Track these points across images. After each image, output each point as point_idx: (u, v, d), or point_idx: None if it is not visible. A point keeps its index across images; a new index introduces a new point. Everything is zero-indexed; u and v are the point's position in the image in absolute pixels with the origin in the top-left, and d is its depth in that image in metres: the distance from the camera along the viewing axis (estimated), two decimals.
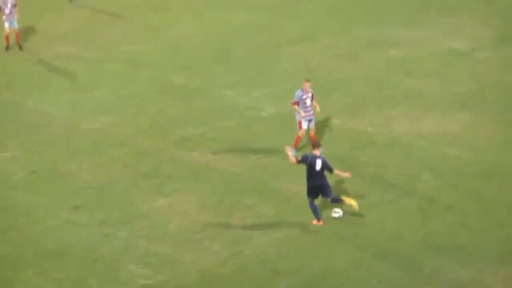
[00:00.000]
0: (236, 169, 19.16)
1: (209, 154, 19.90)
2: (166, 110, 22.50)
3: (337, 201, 16.71)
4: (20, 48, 26.41)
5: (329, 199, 16.76)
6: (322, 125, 20.97)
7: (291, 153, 17.13)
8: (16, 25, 26.00)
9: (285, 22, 28.96)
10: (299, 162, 16.57)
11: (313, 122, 19.93)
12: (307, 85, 19.69)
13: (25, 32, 27.88)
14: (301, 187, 16.86)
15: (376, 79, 24.24)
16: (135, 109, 22.60)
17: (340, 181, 17.84)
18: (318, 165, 16.45)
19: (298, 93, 19.63)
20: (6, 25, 26.03)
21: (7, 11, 25.81)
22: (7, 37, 26.34)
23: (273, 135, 20.87)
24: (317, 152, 16.55)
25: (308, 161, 16.45)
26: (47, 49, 26.86)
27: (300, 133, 19.86)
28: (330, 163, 16.67)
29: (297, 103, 19.61)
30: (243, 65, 25.58)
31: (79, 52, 26.59)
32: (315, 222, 16.71)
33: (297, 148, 19.71)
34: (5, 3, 25.69)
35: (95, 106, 22.71)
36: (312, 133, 19.90)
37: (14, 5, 25.84)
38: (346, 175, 17.04)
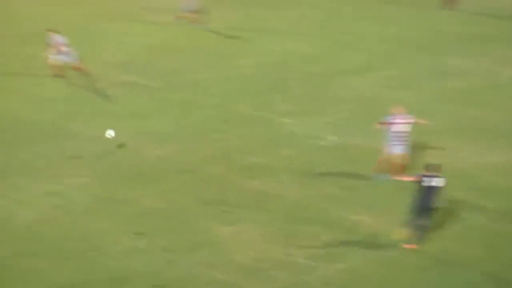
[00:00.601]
0: (298, 198, 19.05)
1: (271, 182, 19.83)
2: (229, 138, 22.54)
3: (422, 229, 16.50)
4: (86, 76, 26.72)
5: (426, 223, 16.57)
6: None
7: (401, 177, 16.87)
8: (74, 59, 26.36)
9: (345, 52, 29.07)
10: (417, 179, 16.38)
11: (404, 149, 19.67)
12: (398, 110, 19.51)
13: (92, 61, 28.25)
14: (364, 217, 16.68)
15: (436, 110, 24.03)
16: (198, 136, 22.66)
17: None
18: (435, 183, 16.25)
19: (389, 116, 19.58)
20: (60, 58, 26.42)
21: (64, 48, 26.18)
22: (57, 68, 26.72)
23: (333, 164, 20.78)
24: (434, 172, 16.34)
25: (424, 179, 16.26)
26: (111, 77, 27.18)
27: (384, 158, 19.73)
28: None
29: (386, 124, 19.48)
30: (302, 94, 25.72)
31: (143, 80, 26.86)
32: (409, 246, 16.51)
33: (380, 172, 19.58)
34: (57, 42, 26.02)
35: (158, 134, 22.81)
36: (400, 161, 19.62)
37: (66, 44, 26.30)
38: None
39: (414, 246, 16.49)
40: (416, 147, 21.06)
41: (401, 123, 19.41)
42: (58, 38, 26.44)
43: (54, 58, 26.57)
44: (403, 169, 19.25)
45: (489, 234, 17.26)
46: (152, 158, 21.23)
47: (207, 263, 16.33)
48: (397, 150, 19.50)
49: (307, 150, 21.81)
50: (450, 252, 16.50)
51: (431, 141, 21.82)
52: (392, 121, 19.44)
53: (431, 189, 16.38)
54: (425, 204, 16.42)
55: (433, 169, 16.46)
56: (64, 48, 26.36)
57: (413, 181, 16.56)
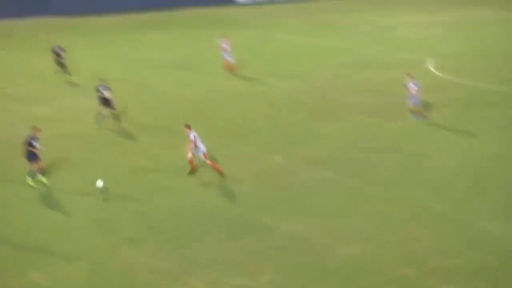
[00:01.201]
0: None
1: (468, 285, 19.05)
2: (421, 238, 21.98)
3: None
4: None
5: None
6: None
7: None
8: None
9: None
10: None
11: None
12: None
13: (289, 156, 28.90)
14: None
15: None
16: (389, 235, 22.25)
17: None
18: None
19: None
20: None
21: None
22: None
23: None
24: None
25: None
26: (306, 172, 27.49)
27: None
28: None
29: None
30: (504, 195, 24.74)
31: (337, 177, 26.95)
32: None
33: None
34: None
35: (350, 231, 22.60)
36: None
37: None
38: None
39: None
40: None
41: None
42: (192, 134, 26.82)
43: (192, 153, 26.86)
44: None
45: None
46: (343, 257, 20.98)
47: None
48: None
49: (505, 254, 20.86)
50: None
51: None
52: None
53: None
54: None
55: None
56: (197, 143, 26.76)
57: None
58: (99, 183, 25.28)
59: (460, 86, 39.53)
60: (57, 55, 41.49)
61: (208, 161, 26.95)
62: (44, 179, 26.79)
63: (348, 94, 37.97)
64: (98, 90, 32.74)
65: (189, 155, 26.90)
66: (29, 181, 26.56)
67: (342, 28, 58.75)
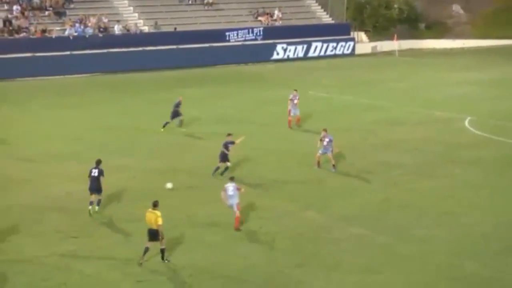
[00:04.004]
0: None
1: None
2: None
3: None
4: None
5: None
6: None
7: None
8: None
9: None
10: None
11: None
12: None
13: (322, 212, 28.91)
14: None
15: None
16: None
17: None
18: None
19: None
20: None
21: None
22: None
23: None
24: None
25: None
26: (339, 230, 27.39)
27: None
28: None
29: None
30: None
31: (370, 234, 26.80)
32: None
33: None
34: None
35: None
36: None
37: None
38: None
39: None
40: None
41: None
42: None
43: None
44: None
45: None
46: None
47: None
48: None
49: None
50: None
51: None
52: None
53: None
54: None
55: None
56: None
57: None
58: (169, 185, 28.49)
59: (497, 144, 39.32)
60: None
61: (237, 213, 27.29)
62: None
63: (382, 151, 37.94)
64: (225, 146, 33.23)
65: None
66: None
67: (377, 85, 58.99)
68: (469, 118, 44.97)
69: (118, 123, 45.02)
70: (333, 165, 34.44)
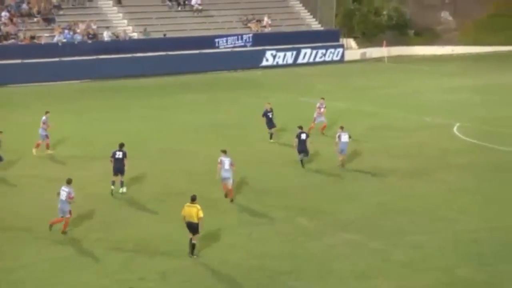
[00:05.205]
0: None
1: None
2: None
3: None
4: None
5: None
6: None
7: None
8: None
9: None
10: None
11: None
12: None
13: (314, 217, 28.81)
14: None
15: None
16: None
17: None
18: None
19: None
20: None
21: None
22: None
23: None
24: None
25: None
26: (332, 236, 27.29)
27: None
28: None
29: None
30: None
31: (364, 239, 26.73)
32: None
33: None
34: None
35: None
36: None
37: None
38: None
39: None
40: None
41: None
42: None
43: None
44: None
45: None
46: None
47: None
48: None
49: None
50: None
51: None
52: None
53: None
54: None
55: None
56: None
57: None
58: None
59: (486, 150, 39.41)
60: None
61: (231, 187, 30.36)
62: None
63: (376, 156, 37.93)
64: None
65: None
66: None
67: (368, 91, 59.05)
68: (458, 124, 45.04)
69: (114, 128, 44.67)
70: (342, 165, 35.90)
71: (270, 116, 41.63)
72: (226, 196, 30.69)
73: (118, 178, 31.56)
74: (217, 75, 69.18)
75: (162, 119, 48.15)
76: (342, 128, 36.16)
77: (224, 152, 30.72)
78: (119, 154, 31.36)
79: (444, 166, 36.13)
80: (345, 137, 35.69)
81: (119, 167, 31.31)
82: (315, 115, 43.29)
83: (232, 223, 28.01)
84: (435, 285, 23.07)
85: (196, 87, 63.14)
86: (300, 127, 36.46)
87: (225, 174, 30.24)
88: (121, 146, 31.73)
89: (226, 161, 30.25)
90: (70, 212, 27.22)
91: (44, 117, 38.75)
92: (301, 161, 35.94)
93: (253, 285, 23.16)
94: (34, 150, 37.74)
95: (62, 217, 27.17)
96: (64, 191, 27.10)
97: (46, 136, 38.42)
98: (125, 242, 26.48)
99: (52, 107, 43.11)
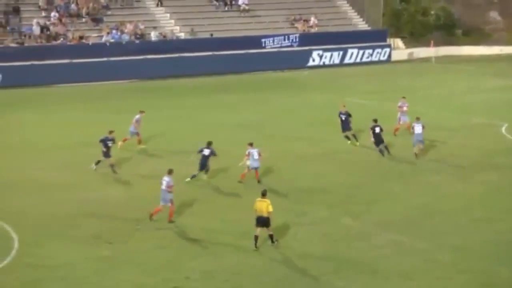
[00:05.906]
0: None
1: None
2: None
3: None
4: None
5: None
6: None
7: None
8: None
9: None
10: None
11: None
12: None
13: (358, 218, 28.74)
14: None
15: None
16: None
17: None
18: None
19: None
20: None
21: None
22: None
23: None
24: None
25: None
26: (376, 236, 27.21)
27: None
28: None
29: None
30: None
31: (407, 240, 26.59)
32: None
33: None
34: None
35: None
36: None
37: None
38: None
39: None
40: None
41: None
42: None
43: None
44: None
45: None
46: None
47: None
48: None
49: None
50: None
51: None
52: None
53: None
54: None
55: None
56: None
57: None
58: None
59: None
60: None
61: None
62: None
63: (421, 156, 37.62)
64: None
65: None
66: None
67: (414, 91, 58.56)
68: (506, 124, 44.47)
69: (164, 128, 44.75)
70: (416, 154, 36.99)
71: (343, 118, 40.33)
72: (258, 182, 32.76)
73: (201, 174, 33.12)
74: (263, 75, 69.15)
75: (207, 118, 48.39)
76: (418, 118, 37.13)
77: (251, 144, 32.94)
78: (206, 151, 32.86)
79: (489, 167, 35.77)
80: (418, 128, 36.75)
81: (204, 163, 32.80)
82: (398, 115, 42.51)
83: (276, 224, 28.00)
84: (476, 286, 22.95)
85: (241, 86, 63.13)
86: (375, 120, 37.45)
87: (254, 163, 32.73)
88: (209, 144, 33.05)
89: (255, 152, 32.69)
90: (172, 201, 28.05)
91: (138, 116, 39.70)
92: (381, 151, 37.26)
93: (298, 285, 23.17)
94: (119, 144, 38.16)
95: (163, 205, 28.09)
96: (164, 181, 28.15)
97: (137, 134, 39.60)
98: (168, 240, 26.69)
99: (105, 105, 43.34)
